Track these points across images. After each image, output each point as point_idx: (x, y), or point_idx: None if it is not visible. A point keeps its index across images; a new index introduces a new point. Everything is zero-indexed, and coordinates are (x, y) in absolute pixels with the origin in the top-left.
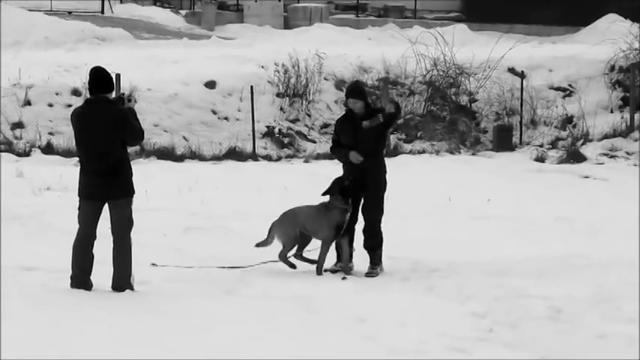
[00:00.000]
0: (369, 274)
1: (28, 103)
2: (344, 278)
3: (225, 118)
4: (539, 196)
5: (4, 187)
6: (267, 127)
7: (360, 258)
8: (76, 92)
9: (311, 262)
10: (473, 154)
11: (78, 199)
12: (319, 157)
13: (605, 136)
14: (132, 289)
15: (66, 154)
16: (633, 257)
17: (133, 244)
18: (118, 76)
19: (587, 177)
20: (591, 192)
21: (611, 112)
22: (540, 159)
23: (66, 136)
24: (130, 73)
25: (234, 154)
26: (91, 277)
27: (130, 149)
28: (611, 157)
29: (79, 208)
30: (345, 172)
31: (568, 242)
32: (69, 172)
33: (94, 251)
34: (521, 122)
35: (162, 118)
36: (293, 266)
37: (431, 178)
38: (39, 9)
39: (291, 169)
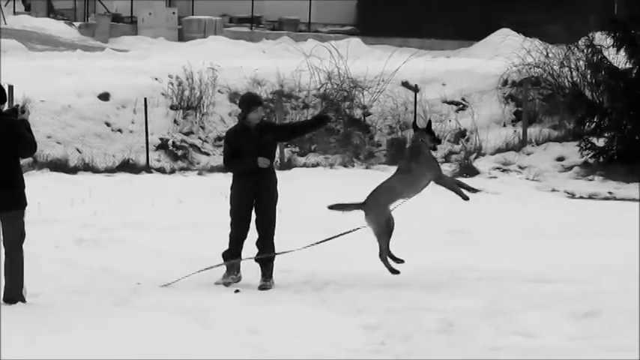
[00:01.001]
0: (262, 287)
1: None
2: (237, 291)
3: (119, 130)
4: (433, 209)
5: None
6: (161, 139)
7: (253, 271)
8: None
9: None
10: (367, 168)
11: None
12: (213, 169)
13: (498, 150)
14: (23, 301)
15: None
16: (525, 270)
17: (25, 256)
18: (11, 87)
19: (479, 190)
20: (483, 205)
21: (504, 126)
22: None
23: None
24: (23, 85)
25: (127, 167)
26: None
27: (23, 161)
28: (504, 170)
29: None
30: (240, 184)
31: (460, 255)
32: None
33: None
34: None
35: (55, 129)
36: (396, 272)
37: (324, 192)
38: None
39: (185, 181)
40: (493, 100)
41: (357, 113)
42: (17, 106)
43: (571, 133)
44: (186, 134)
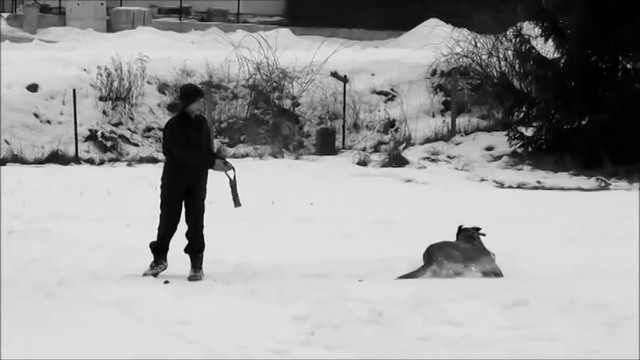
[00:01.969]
0: (192, 278)
1: None
2: (166, 282)
3: (48, 122)
4: (362, 199)
5: None
6: (90, 130)
7: (183, 262)
8: None
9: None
10: (296, 158)
11: None
12: (142, 160)
13: (427, 140)
14: None
15: None
16: None
17: None
18: None
19: (409, 180)
20: (412, 195)
21: (433, 116)
22: (363, 162)
23: None
24: None
25: (56, 158)
26: None
27: None
28: (433, 160)
29: None
30: (173, 175)
31: (389, 245)
32: None
33: None
34: (344, 126)
35: None
36: None
37: (254, 182)
38: None
39: (115, 172)
40: (422, 90)
41: (287, 104)
42: None
43: (500, 122)
44: (116, 125)
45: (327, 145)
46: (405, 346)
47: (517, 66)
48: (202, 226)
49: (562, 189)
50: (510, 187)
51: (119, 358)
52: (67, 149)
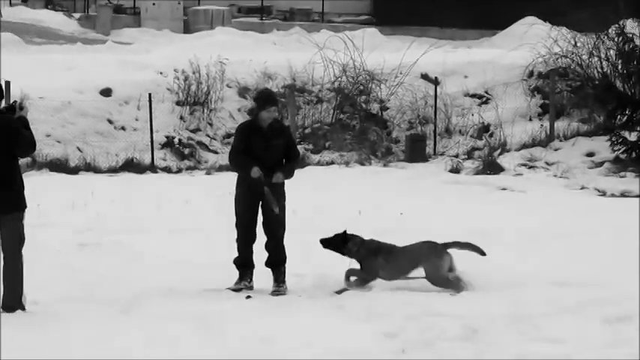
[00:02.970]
0: (275, 293)
1: None
2: (248, 297)
3: (122, 128)
4: (454, 208)
5: None
6: (167, 137)
7: (265, 276)
8: None
9: None
10: (384, 165)
11: None
12: (222, 168)
13: (524, 146)
14: (23, 309)
15: None
16: (553, 273)
17: (24, 262)
18: (7, 83)
19: (504, 189)
20: (508, 204)
21: (530, 120)
22: (455, 170)
23: None
24: (20, 80)
25: (131, 166)
26: None
27: (21, 161)
28: (530, 167)
29: None
30: (245, 183)
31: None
32: None
33: None
34: (435, 131)
35: (54, 127)
36: None
37: (340, 191)
38: None
39: (192, 181)
40: (518, 92)
41: (374, 108)
42: (15, 102)
43: (601, 126)
44: (193, 131)
45: (417, 151)
46: None
47: (620, 66)
48: (282, 237)
49: None
50: (613, 195)
51: None
52: (143, 157)
